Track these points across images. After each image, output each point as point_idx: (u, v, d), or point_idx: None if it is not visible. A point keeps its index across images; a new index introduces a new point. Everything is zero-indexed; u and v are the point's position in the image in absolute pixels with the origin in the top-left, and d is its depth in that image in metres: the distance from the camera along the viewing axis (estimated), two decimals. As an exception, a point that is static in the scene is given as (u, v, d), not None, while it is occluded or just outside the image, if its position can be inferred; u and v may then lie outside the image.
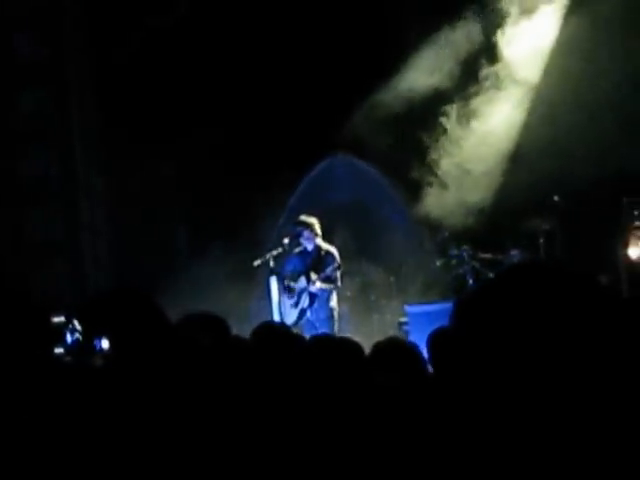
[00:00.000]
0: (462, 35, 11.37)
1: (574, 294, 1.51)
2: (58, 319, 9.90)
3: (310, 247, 10.73)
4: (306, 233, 10.68)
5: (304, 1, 12.04)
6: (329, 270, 10.56)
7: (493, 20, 11.40)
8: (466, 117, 11.54)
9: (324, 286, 10.61)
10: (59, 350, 7.91)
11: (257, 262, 10.72)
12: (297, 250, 10.77)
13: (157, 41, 12.38)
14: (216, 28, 12.28)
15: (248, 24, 12.18)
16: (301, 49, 11.93)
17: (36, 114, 12.75)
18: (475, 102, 11.50)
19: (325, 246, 10.76)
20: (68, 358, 5.39)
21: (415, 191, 11.51)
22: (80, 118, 12.99)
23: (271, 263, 10.67)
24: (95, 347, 4.98)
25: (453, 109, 11.57)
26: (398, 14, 11.63)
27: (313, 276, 10.61)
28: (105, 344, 4.94)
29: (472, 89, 11.49)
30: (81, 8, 12.91)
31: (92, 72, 12.98)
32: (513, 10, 11.41)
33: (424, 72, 11.48)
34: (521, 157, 11.54)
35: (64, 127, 12.92)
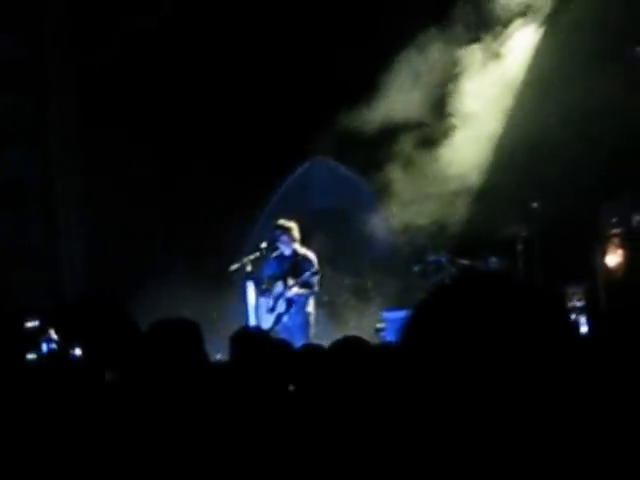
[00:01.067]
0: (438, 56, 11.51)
1: (517, 305, 1.51)
2: (32, 324, 9.81)
3: (288, 251, 10.69)
4: (284, 237, 10.65)
5: (291, 4, 12.03)
6: (306, 275, 10.53)
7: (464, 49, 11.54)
8: (443, 127, 11.61)
9: (301, 291, 10.57)
10: (32, 356, 7.84)
11: (234, 266, 10.69)
12: (274, 254, 10.74)
13: (139, 42, 12.33)
14: (200, 29, 12.25)
15: (233, 26, 12.16)
16: (284, 52, 11.91)
17: (14, 114, 12.66)
18: (453, 113, 11.58)
19: (303, 251, 10.72)
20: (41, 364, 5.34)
21: (394, 196, 11.56)
22: (59, 119, 12.90)
23: (248, 267, 10.65)
24: (69, 355, 4.94)
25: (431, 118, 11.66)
26: (384, 25, 11.63)
27: (290, 281, 10.58)
28: (78, 352, 4.90)
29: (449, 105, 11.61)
30: (63, 8, 12.82)
31: (73, 72, 12.88)
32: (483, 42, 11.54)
33: (402, 90, 11.58)
34: (499, 164, 11.57)
35: (42, 128, 12.84)
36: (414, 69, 11.51)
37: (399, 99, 11.42)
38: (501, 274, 1.65)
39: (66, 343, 5.07)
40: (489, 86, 11.52)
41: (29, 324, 9.61)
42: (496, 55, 11.54)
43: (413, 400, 1.51)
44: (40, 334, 9.10)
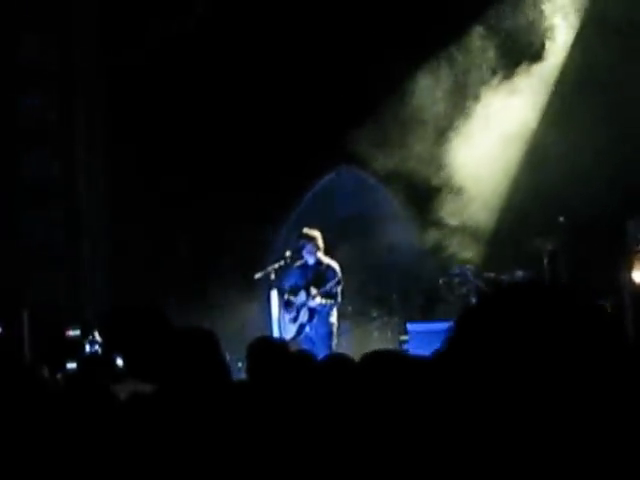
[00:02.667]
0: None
1: (572, 315, 1.53)
2: (74, 333, 9.78)
3: (311, 261, 10.64)
4: (308, 246, 10.60)
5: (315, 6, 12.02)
6: (329, 285, 10.47)
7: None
8: (467, 140, 11.66)
9: (324, 301, 10.51)
10: (72, 365, 7.79)
11: (258, 275, 10.67)
12: (298, 264, 10.69)
13: (168, 47, 12.35)
14: (228, 35, 12.28)
15: (259, 30, 12.16)
16: (310, 61, 11.91)
17: (41, 117, 12.73)
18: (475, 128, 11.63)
19: (326, 260, 10.66)
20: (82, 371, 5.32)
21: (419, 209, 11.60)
22: (85, 122, 12.95)
23: (272, 276, 10.61)
24: (112, 362, 4.93)
25: (453, 130, 11.73)
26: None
27: (313, 291, 10.52)
28: (119, 362, 4.88)
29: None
30: (93, 10, 12.87)
31: (101, 75, 12.93)
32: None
33: (426, 90, 11.66)
34: (526, 178, 11.57)
35: (68, 130, 12.87)
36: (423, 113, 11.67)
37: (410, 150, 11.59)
38: (550, 285, 1.64)
39: (110, 349, 5.06)
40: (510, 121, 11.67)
41: (70, 333, 9.63)
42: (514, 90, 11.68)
43: (450, 409, 1.52)
44: (82, 340, 9.18)
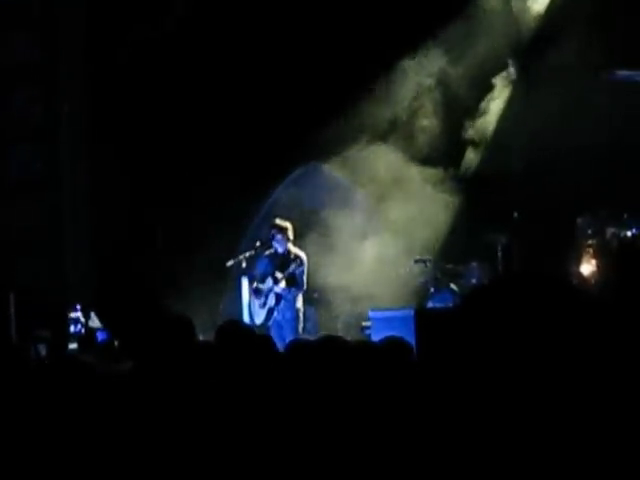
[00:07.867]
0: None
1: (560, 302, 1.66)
2: (75, 314, 10.23)
3: (281, 250, 11.05)
4: (279, 236, 11.01)
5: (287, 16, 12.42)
6: (292, 268, 10.87)
7: None
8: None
9: (289, 287, 10.92)
10: (73, 345, 8.27)
11: (230, 262, 11.12)
12: (267, 252, 11.12)
13: (151, 47, 12.62)
14: (208, 37, 12.56)
15: (236, 36, 12.52)
16: (280, 59, 12.29)
17: (25, 114, 13.05)
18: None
19: (295, 250, 11.09)
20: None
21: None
22: (69, 119, 13.24)
23: (243, 264, 11.07)
24: (96, 339, 5.38)
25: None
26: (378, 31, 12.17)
27: (278, 275, 10.98)
28: (102, 336, 5.31)
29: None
30: (78, 12, 13.13)
31: (84, 72, 13.20)
32: None
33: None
34: (484, 175, 12.12)
35: (52, 127, 13.23)
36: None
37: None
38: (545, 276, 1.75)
39: (95, 328, 5.37)
40: None
41: (72, 315, 10.08)
42: None
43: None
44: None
